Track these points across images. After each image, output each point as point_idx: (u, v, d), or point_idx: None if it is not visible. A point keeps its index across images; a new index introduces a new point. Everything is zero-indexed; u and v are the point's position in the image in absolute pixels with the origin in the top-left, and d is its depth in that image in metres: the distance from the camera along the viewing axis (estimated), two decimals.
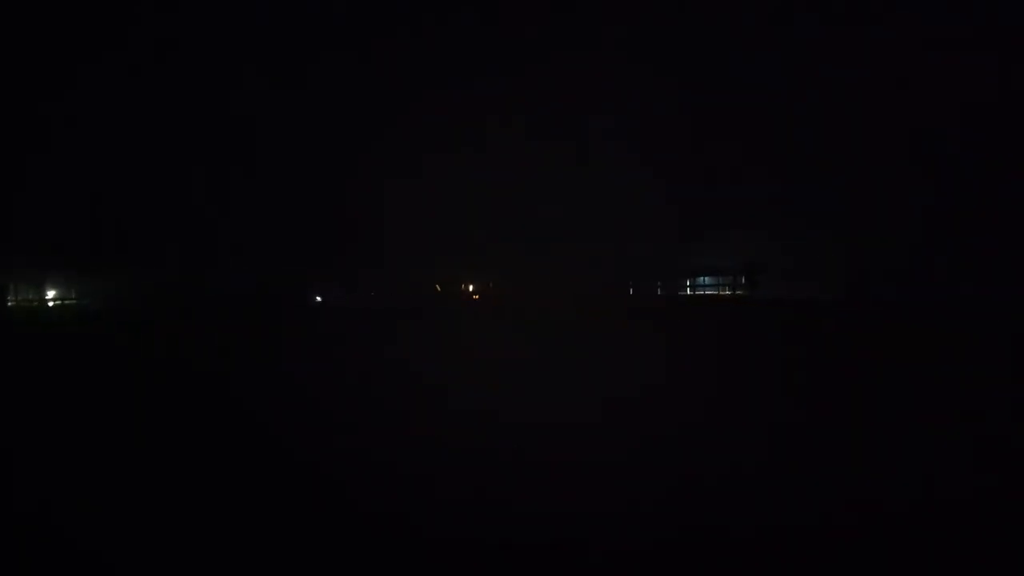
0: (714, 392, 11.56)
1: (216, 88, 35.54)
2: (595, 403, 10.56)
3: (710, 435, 8.65)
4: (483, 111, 35.44)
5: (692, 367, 14.54)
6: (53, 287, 37.95)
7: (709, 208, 36.76)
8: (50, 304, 37.24)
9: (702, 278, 40.37)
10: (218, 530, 5.80)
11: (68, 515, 6.22)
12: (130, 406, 11.20)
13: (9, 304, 34.05)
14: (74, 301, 37.56)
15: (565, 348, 17.61)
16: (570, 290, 33.99)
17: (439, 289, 39.98)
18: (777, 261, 35.91)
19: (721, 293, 39.22)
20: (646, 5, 35.66)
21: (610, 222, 36.54)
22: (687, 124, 36.09)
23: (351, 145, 36.32)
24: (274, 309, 30.21)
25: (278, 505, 6.34)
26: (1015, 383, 10.98)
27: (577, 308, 27.39)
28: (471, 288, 41.60)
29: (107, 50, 34.38)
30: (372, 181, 36.43)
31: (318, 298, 39.40)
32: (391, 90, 36.11)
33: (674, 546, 5.25)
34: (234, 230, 35.92)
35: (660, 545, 5.25)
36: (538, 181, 36.07)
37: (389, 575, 5.03)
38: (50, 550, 5.46)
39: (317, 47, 35.96)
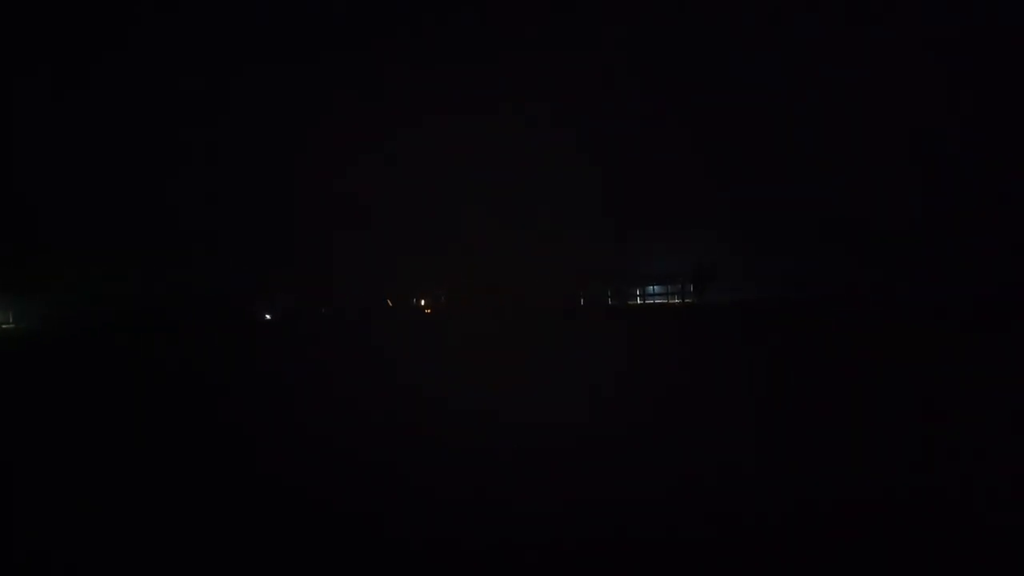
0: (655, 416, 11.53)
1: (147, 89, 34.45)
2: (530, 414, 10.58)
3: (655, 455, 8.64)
4: (419, 119, 34.74)
5: (643, 379, 14.53)
6: None
7: (657, 210, 36.39)
8: None
9: (651, 287, 40.26)
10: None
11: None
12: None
13: None
14: (12, 325, 33.42)
15: (512, 363, 17.32)
16: (520, 302, 33.95)
17: (391, 304, 39.59)
18: (725, 264, 35.95)
19: (671, 301, 39.17)
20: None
21: (559, 231, 35.97)
22: (641, 126, 35.90)
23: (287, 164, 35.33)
24: (223, 324, 29.53)
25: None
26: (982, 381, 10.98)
27: (526, 320, 27.48)
28: (423, 302, 41.31)
29: None
30: (320, 194, 35.68)
31: (267, 316, 37.82)
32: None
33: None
34: (182, 244, 34.45)
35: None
36: (488, 195, 35.74)
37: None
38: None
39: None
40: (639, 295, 40.89)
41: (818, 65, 34.45)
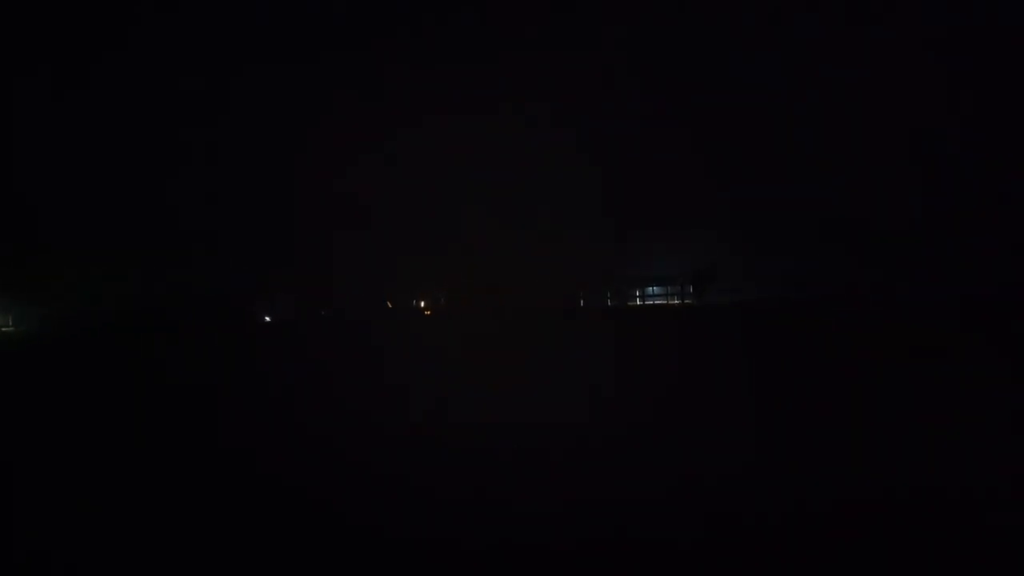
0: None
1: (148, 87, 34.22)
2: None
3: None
4: (417, 122, 34.50)
5: (645, 380, 14.46)
6: None
7: (657, 210, 36.22)
8: None
9: (651, 288, 40.19)
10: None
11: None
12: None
13: None
14: (11, 329, 33.12)
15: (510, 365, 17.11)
16: (520, 303, 33.89)
17: (391, 305, 39.49)
18: (725, 264, 35.92)
19: (670, 302, 39.17)
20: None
21: (559, 231, 35.71)
22: (643, 126, 35.79)
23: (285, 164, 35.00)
24: (224, 325, 29.46)
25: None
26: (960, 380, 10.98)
27: (526, 321, 27.47)
28: (423, 304, 41.22)
29: None
30: (317, 197, 35.44)
31: (267, 318, 37.44)
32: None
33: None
34: (182, 244, 34.16)
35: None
36: (487, 195, 35.59)
37: None
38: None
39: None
40: (639, 296, 40.82)
41: (818, 65, 34.44)
